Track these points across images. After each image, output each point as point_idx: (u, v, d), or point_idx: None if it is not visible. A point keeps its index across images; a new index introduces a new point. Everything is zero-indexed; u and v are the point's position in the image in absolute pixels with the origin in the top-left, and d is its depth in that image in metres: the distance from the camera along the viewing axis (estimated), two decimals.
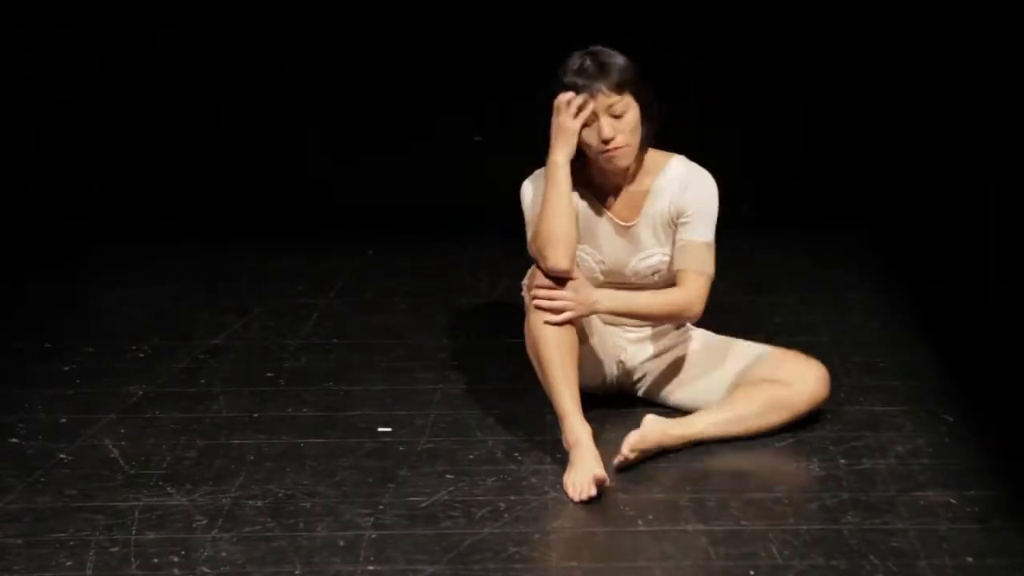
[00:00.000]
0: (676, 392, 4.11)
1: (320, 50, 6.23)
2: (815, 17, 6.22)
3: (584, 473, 3.70)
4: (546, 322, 3.84)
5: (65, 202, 5.86)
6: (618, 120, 3.89)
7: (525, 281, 4.02)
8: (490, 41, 6.17)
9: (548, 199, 3.89)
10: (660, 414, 3.95)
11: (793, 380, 3.96)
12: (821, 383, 3.98)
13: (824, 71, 6.21)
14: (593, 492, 3.67)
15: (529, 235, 3.97)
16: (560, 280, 3.87)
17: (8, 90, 5.56)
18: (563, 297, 3.85)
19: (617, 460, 3.80)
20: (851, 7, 6.22)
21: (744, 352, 4.06)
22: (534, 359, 3.90)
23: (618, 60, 3.91)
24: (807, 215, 5.80)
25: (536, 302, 3.86)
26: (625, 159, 3.93)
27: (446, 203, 5.48)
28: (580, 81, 3.88)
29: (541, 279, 3.88)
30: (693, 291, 3.95)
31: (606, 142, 3.89)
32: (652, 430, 3.86)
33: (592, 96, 3.87)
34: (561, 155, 3.90)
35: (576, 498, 3.68)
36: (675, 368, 4.11)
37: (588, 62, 3.90)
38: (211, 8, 6.23)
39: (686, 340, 4.13)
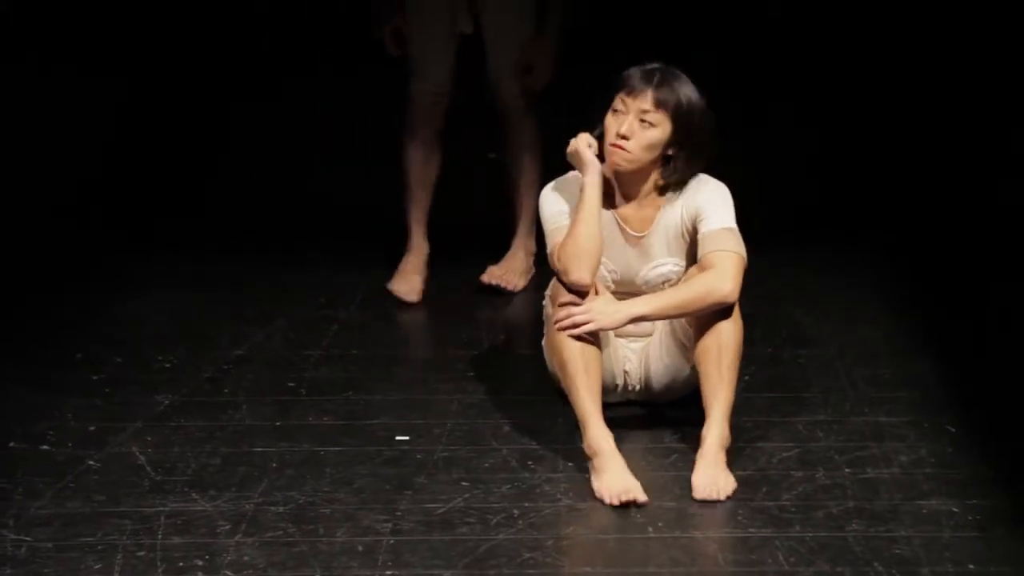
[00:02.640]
0: (669, 382, 4.13)
1: (328, 62, 6.22)
2: (819, 22, 6.21)
3: (616, 478, 3.72)
4: (568, 334, 3.87)
5: (92, 215, 5.90)
6: (642, 128, 3.94)
7: (548, 292, 4.08)
8: None
9: (579, 215, 3.91)
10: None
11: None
12: (734, 290, 3.88)
13: (832, 77, 6.19)
14: (630, 497, 3.69)
15: (550, 246, 4.00)
16: (581, 294, 3.90)
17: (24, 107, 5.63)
18: (581, 312, 3.87)
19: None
20: (856, 11, 6.21)
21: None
22: (557, 366, 3.92)
23: (680, 84, 3.95)
24: (813, 225, 5.80)
25: (558, 325, 3.88)
26: (623, 163, 3.96)
27: (462, 215, 5.48)
28: (629, 81, 3.94)
29: (563, 294, 3.92)
30: (721, 268, 3.87)
31: (619, 136, 3.93)
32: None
33: (632, 95, 3.93)
34: (589, 175, 3.94)
35: (613, 501, 3.68)
36: (672, 369, 4.12)
37: (655, 72, 3.95)
38: (225, 14, 6.25)
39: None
